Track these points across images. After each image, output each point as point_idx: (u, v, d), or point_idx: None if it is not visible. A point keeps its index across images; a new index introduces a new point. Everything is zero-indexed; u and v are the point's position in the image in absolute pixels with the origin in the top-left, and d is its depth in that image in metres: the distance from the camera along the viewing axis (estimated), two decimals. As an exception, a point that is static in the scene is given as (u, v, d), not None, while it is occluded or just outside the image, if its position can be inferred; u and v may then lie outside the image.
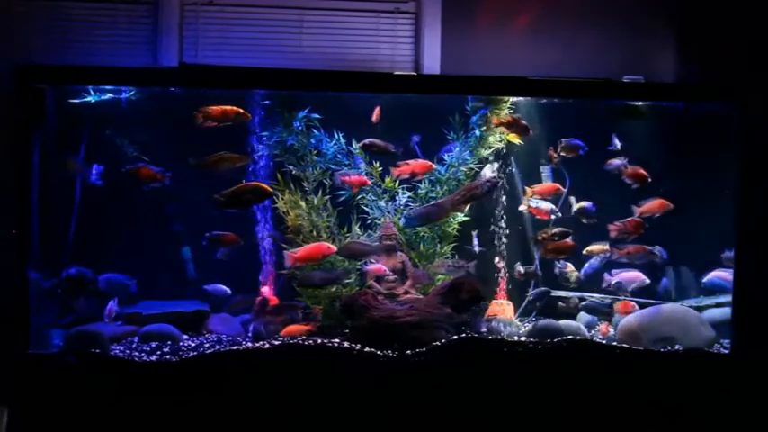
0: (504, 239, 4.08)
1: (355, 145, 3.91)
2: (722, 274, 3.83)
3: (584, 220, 3.93)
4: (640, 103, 3.89)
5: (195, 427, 3.25)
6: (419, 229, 3.96)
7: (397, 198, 3.99)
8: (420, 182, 3.96)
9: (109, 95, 3.65)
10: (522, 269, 4.00)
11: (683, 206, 3.89)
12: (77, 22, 4.12)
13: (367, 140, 3.83)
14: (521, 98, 3.87)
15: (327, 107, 3.87)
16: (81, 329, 3.51)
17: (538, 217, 3.97)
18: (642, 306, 3.89)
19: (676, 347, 3.59)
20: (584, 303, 4.04)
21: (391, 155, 3.84)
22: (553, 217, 3.93)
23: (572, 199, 3.97)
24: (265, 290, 3.94)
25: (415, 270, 3.91)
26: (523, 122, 3.85)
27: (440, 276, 3.93)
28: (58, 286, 3.67)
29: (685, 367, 3.49)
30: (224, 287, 3.88)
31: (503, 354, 3.47)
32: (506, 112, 3.93)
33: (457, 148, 3.98)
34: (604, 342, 3.67)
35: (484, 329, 3.82)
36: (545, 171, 4.02)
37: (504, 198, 4.07)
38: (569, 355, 3.48)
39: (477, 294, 3.75)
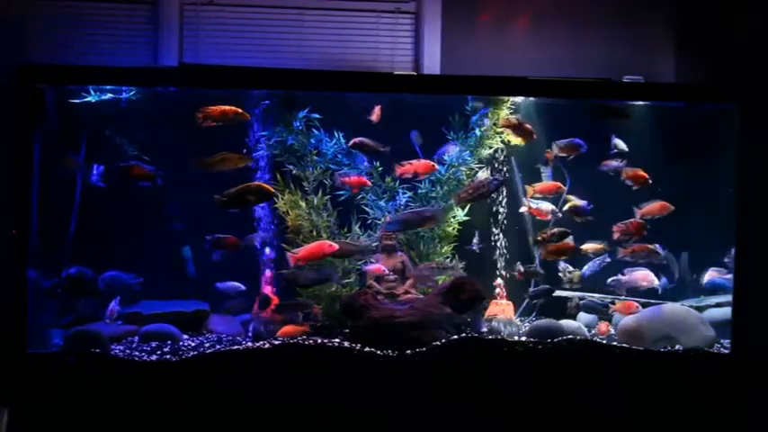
0: (503, 239, 4.08)
1: (344, 143, 3.91)
2: (716, 274, 3.84)
3: (577, 219, 3.92)
4: (617, 104, 3.88)
5: (195, 427, 3.25)
6: (419, 228, 3.95)
7: (397, 198, 3.99)
8: (420, 182, 3.96)
9: (109, 95, 3.65)
10: (522, 268, 4.01)
11: (682, 206, 3.90)
12: (77, 21, 4.12)
13: (357, 139, 3.83)
14: (521, 98, 3.88)
15: (327, 107, 3.87)
16: (81, 329, 3.51)
17: (538, 218, 3.97)
18: (644, 306, 3.89)
19: (676, 347, 3.59)
20: (582, 302, 4.04)
21: (388, 155, 3.84)
22: (551, 217, 3.93)
23: (572, 198, 3.97)
24: (267, 289, 3.94)
25: (414, 268, 3.91)
26: (528, 126, 3.86)
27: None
28: (58, 286, 3.67)
29: (685, 367, 3.49)
30: (238, 284, 3.86)
31: (503, 354, 3.47)
32: (506, 112, 3.94)
33: (457, 149, 3.98)
34: (604, 342, 3.67)
35: (484, 329, 3.82)
36: (545, 171, 4.02)
37: (502, 199, 4.07)
38: (569, 354, 3.48)
39: (477, 294, 3.75)
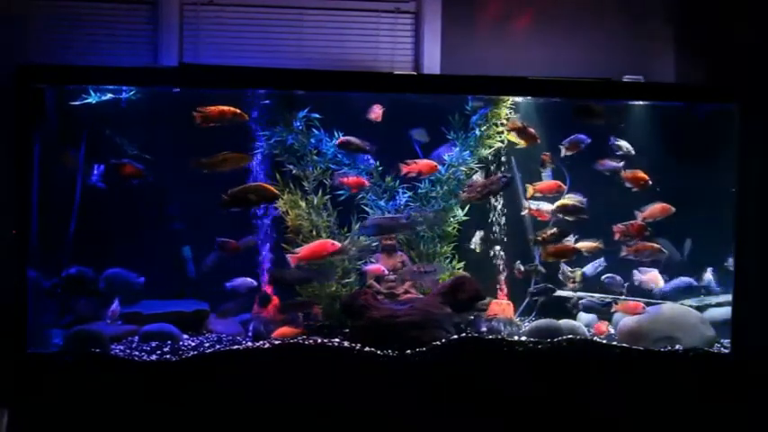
0: (503, 238, 4.08)
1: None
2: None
3: (567, 218, 3.92)
4: (595, 103, 3.87)
5: (195, 427, 3.25)
6: (419, 228, 3.95)
7: (397, 197, 3.99)
8: (420, 181, 3.96)
9: (109, 95, 3.65)
10: (521, 267, 4.00)
11: (682, 206, 3.90)
12: (77, 21, 4.12)
13: (343, 138, 3.82)
14: (520, 98, 3.88)
15: (327, 107, 3.87)
16: (81, 329, 3.51)
17: (539, 219, 3.97)
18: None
19: (677, 347, 3.59)
20: (581, 302, 4.04)
21: (372, 154, 3.85)
22: (550, 217, 3.93)
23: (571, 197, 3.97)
24: (267, 289, 3.94)
25: (412, 266, 3.90)
26: (532, 131, 3.86)
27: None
28: (58, 286, 3.67)
29: (685, 367, 3.49)
30: (250, 280, 3.84)
31: (503, 353, 3.47)
32: (506, 112, 3.93)
33: (457, 149, 3.98)
34: (604, 342, 3.67)
35: (484, 329, 3.82)
36: (545, 171, 4.02)
37: (500, 200, 4.08)
38: (569, 354, 3.48)
39: (477, 294, 3.75)
